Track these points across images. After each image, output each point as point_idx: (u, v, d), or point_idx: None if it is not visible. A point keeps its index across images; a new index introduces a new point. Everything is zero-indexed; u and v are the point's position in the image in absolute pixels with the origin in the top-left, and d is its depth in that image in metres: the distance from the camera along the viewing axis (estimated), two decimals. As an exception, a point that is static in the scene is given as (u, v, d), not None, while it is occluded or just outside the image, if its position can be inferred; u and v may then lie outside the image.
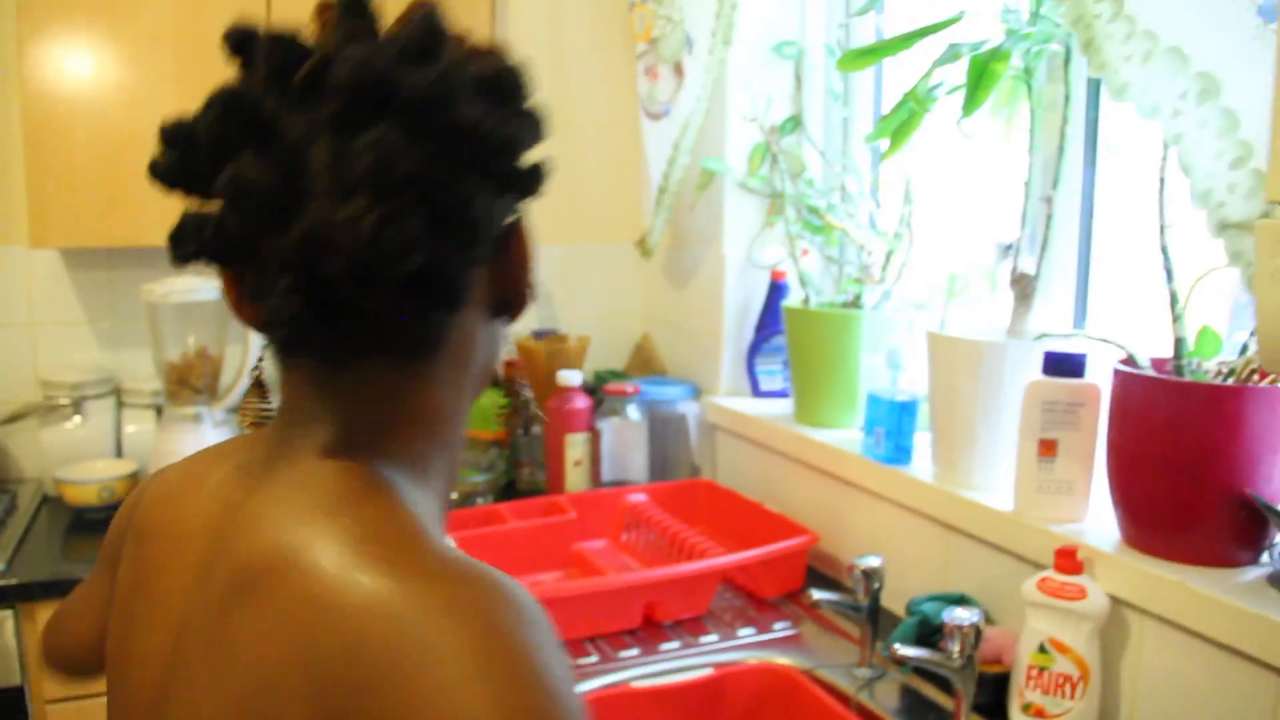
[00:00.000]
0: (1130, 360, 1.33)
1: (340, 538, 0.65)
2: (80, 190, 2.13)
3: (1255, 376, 1.25)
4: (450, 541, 0.75)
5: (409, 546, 0.66)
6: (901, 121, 1.57)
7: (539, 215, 2.50)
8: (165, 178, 0.75)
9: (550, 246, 2.55)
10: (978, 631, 1.29)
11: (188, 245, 0.72)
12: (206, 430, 2.18)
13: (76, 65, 2.11)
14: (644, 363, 2.55)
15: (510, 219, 0.79)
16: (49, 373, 2.39)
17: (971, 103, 1.46)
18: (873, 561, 1.50)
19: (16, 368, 2.41)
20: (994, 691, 1.39)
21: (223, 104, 0.71)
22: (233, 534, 0.71)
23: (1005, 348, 1.50)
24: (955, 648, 1.30)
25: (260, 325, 0.72)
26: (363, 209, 0.64)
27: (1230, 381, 1.25)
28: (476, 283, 0.75)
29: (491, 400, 2.35)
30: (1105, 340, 1.38)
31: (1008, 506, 1.48)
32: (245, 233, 0.68)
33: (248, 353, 2.16)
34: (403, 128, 0.66)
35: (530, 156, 0.77)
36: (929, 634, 1.48)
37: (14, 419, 2.33)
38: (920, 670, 1.50)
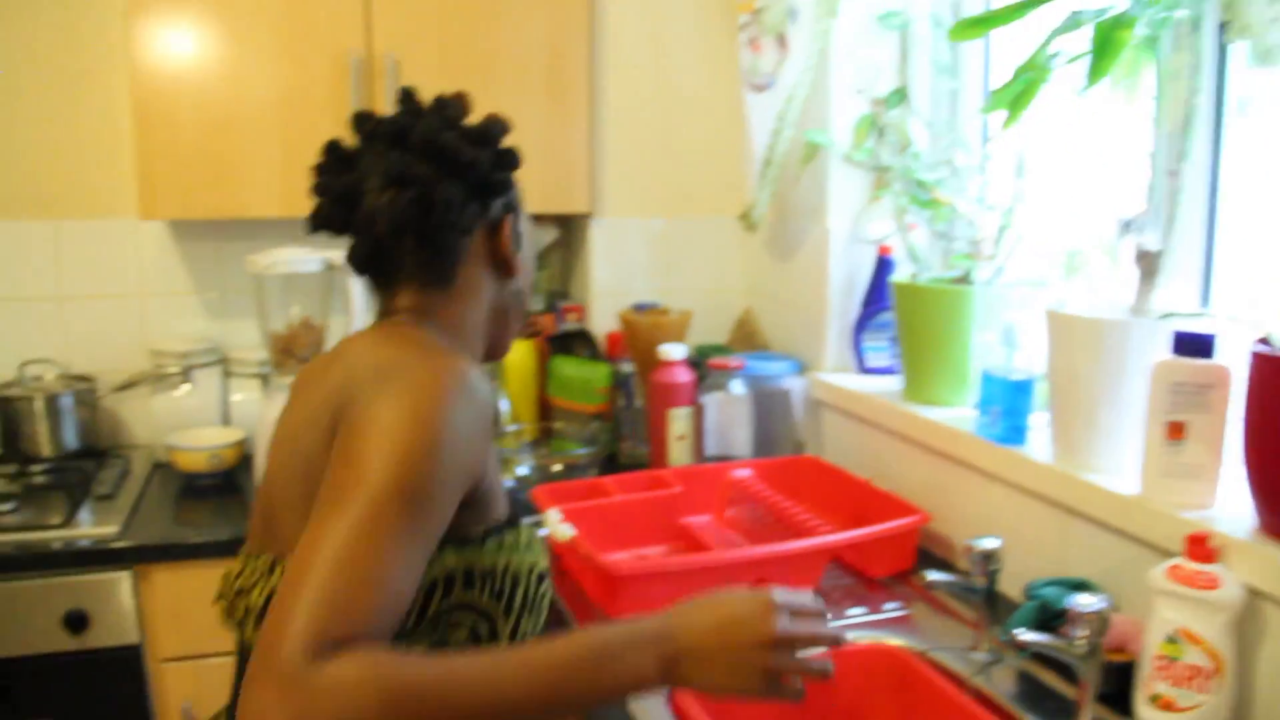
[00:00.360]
0: (1267, 341, 1.28)
1: (379, 338, 1.15)
2: (187, 163, 2.17)
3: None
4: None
5: (417, 344, 1.12)
6: (1019, 91, 1.52)
7: (641, 189, 2.68)
8: (315, 188, 1.24)
9: (651, 219, 2.55)
10: (1104, 619, 1.25)
11: (312, 222, 1.24)
12: (313, 401, 2.21)
13: (182, 41, 2.14)
14: (746, 337, 2.52)
15: (500, 210, 1.25)
16: (158, 342, 2.44)
17: (1096, 72, 1.41)
18: (990, 543, 1.46)
19: (127, 337, 2.47)
20: (1118, 680, 1.35)
21: (327, 147, 1.25)
22: (335, 354, 1.18)
23: (1129, 327, 1.46)
24: (1080, 635, 1.26)
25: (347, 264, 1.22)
26: (389, 194, 1.16)
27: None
28: (474, 248, 1.23)
29: (593, 374, 2.36)
30: (1238, 320, 1.33)
31: (1132, 490, 1.43)
32: (336, 212, 1.21)
33: (350, 322, 2.18)
34: (411, 152, 1.18)
35: (496, 175, 1.22)
36: (1048, 619, 1.44)
37: (126, 386, 2.38)
38: (1039, 656, 1.46)
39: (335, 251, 2.28)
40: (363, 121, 1.22)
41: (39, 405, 2.28)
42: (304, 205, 2.12)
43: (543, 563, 1.23)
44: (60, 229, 2.40)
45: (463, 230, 1.19)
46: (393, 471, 0.94)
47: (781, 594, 1.03)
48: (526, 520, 1.98)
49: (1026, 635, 1.27)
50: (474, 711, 0.86)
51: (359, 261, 1.21)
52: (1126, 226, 1.61)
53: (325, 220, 1.21)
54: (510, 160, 1.24)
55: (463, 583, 1.12)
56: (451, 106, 1.24)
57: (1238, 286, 1.59)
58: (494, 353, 1.33)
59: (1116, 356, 1.47)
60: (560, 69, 2.38)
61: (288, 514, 1.11)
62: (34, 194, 2.38)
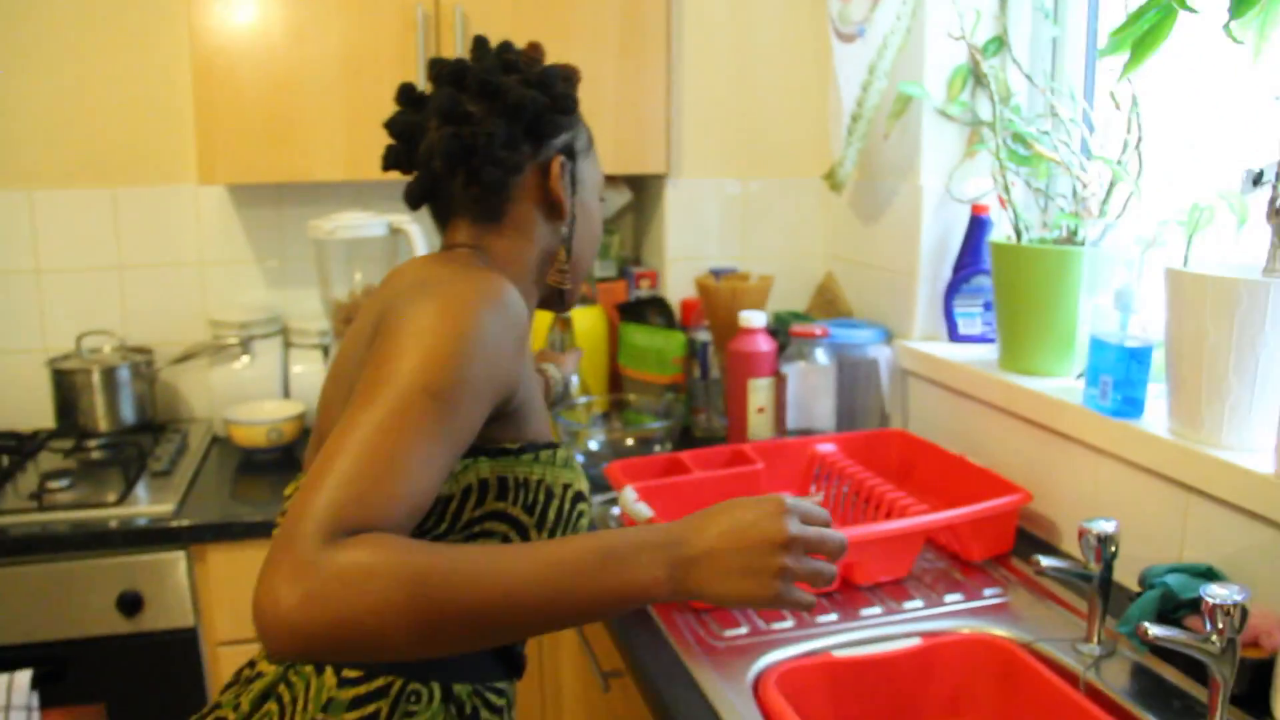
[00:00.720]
0: None
1: (428, 260, 1.17)
2: (248, 126, 2.09)
3: None
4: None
5: (464, 263, 1.15)
6: (1145, 30, 1.38)
7: (719, 148, 2.57)
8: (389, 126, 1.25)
9: (729, 180, 2.43)
10: (1244, 612, 1.12)
11: (384, 161, 1.26)
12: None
13: (240, 1, 2.06)
14: (827, 304, 2.40)
15: (554, 151, 1.23)
16: (218, 312, 2.38)
17: (1241, 4, 1.26)
18: (1106, 526, 1.33)
19: (186, 307, 2.41)
20: (1252, 679, 1.22)
21: (400, 89, 1.26)
22: (386, 279, 1.20)
23: (1268, 288, 1.31)
24: (1215, 630, 1.14)
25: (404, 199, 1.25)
26: (442, 131, 1.17)
27: None
28: (525, 186, 1.22)
29: (667, 343, 2.25)
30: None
31: (1267, 468, 1.30)
32: (402, 150, 1.24)
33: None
34: (466, 91, 1.20)
35: (548, 116, 1.21)
36: (1170, 610, 1.31)
37: (184, 359, 2.32)
38: (1158, 650, 1.34)
39: (399, 215, 2.19)
40: (433, 65, 1.24)
41: (96, 378, 2.22)
42: (369, 167, 2.05)
43: (580, 484, 1.24)
44: (118, 196, 2.34)
45: (510, 168, 1.19)
46: (420, 369, 0.95)
47: (792, 499, 1.00)
48: (596, 500, 1.92)
49: (1158, 630, 1.14)
50: (480, 603, 0.88)
51: (413, 196, 1.23)
52: (1256, 179, 1.47)
53: (393, 158, 1.25)
54: (564, 104, 1.23)
55: (496, 491, 1.12)
56: (513, 52, 1.26)
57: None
58: (552, 301, 1.32)
59: (1251, 321, 1.33)
60: (636, 22, 2.26)
61: (329, 421, 1.15)
62: (92, 160, 2.31)
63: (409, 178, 1.25)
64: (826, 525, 1.02)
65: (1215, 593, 1.14)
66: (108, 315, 2.37)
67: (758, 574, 0.96)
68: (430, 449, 0.93)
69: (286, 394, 2.39)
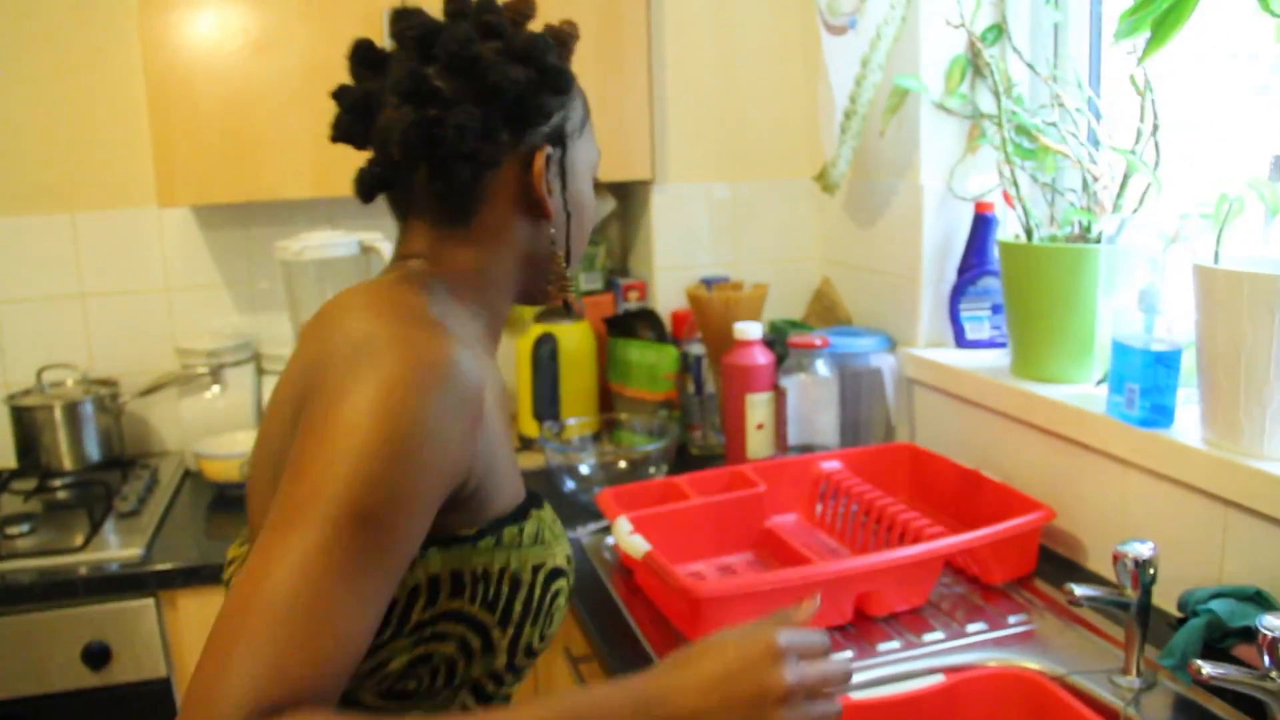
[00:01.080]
0: None
1: (368, 300, 0.95)
2: (205, 144, 1.99)
3: None
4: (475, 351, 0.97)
5: (405, 314, 0.93)
6: (1167, 7, 1.27)
7: (706, 151, 2.34)
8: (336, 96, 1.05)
9: (717, 184, 2.32)
10: (1305, 645, 1.02)
11: (332, 131, 1.04)
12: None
13: (196, 13, 1.95)
14: (824, 310, 2.29)
15: (540, 140, 1.03)
16: (186, 340, 2.27)
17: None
18: (1143, 549, 1.22)
19: (153, 335, 2.30)
20: (1310, 714, 1.11)
21: (354, 46, 1.04)
22: (322, 315, 1.00)
23: (1309, 284, 1.21)
24: (1276, 664, 1.03)
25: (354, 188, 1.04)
26: (401, 112, 0.97)
27: None
28: (502, 183, 1.02)
29: (660, 358, 2.14)
30: None
31: (1317, 480, 1.19)
32: (355, 123, 1.02)
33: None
34: (434, 63, 0.98)
35: (535, 100, 1.01)
36: (1218, 639, 1.21)
37: (151, 390, 2.21)
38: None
39: (371, 234, 2.08)
40: (398, 19, 1.02)
41: (58, 414, 2.10)
42: (338, 184, 1.90)
43: (556, 557, 1.04)
44: (78, 222, 2.22)
45: (483, 163, 0.99)
46: (350, 487, 0.79)
47: (786, 635, 0.90)
48: (588, 529, 1.81)
49: (1212, 669, 1.03)
50: None
51: (365, 185, 1.02)
52: (1288, 166, 1.37)
53: (343, 131, 1.03)
54: (557, 82, 1.02)
55: (450, 589, 0.94)
56: (495, 11, 1.03)
57: None
58: (530, 296, 1.12)
59: (1292, 320, 1.22)
60: (615, 21, 2.15)
61: (259, 508, 0.99)
62: (48, 185, 2.19)
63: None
64: (827, 653, 0.93)
65: (1273, 624, 1.04)
66: (70, 347, 2.26)
67: None
68: (365, 586, 0.79)
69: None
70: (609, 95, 2.17)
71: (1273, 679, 1.03)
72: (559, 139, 1.04)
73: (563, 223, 1.07)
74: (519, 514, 1.01)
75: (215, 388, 2.21)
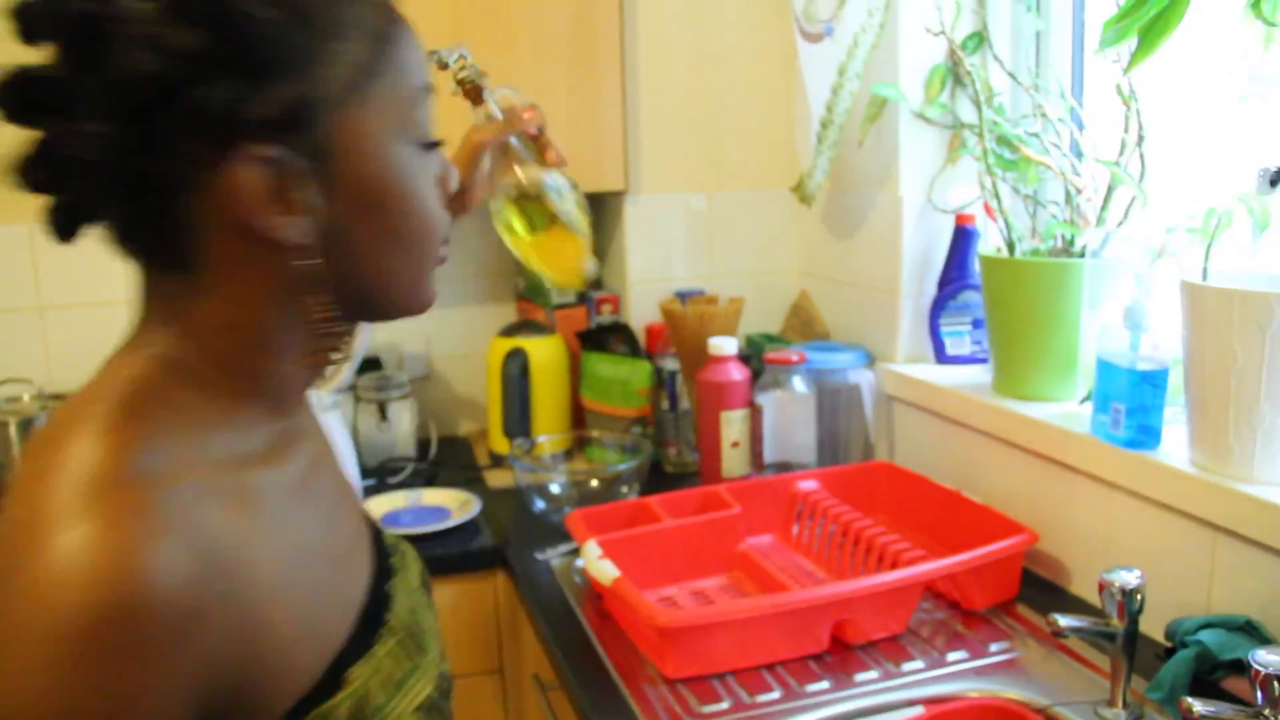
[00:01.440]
0: None
1: (75, 407, 0.68)
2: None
3: None
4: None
5: (86, 462, 0.61)
6: (1155, 14, 1.23)
7: (681, 161, 2.16)
8: None
9: (692, 195, 2.27)
10: (1299, 681, 0.97)
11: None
12: (319, 417, 1.94)
13: None
14: (802, 325, 2.24)
15: (247, 133, 0.66)
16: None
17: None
18: (1129, 578, 1.18)
19: (113, 350, 2.22)
20: (1304, 750, 1.07)
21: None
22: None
23: (1300, 301, 1.17)
24: (1269, 702, 0.98)
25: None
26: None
27: None
28: (215, 201, 0.67)
29: (632, 373, 2.09)
30: None
31: (1305, 505, 1.15)
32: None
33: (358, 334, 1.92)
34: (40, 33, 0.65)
35: (208, 83, 0.64)
36: (1207, 671, 1.16)
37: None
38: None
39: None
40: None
41: (13, 431, 2.03)
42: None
43: (415, 693, 0.79)
44: (35, 233, 2.16)
45: (158, 189, 0.67)
46: None
47: None
48: (557, 550, 1.73)
49: (1203, 708, 0.99)
50: None
51: (55, 222, 0.71)
52: (1275, 179, 1.32)
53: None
54: (270, 38, 0.65)
55: None
56: None
57: None
58: (315, 368, 0.79)
59: (1281, 339, 1.18)
60: (587, 28, 2.10)
61: None
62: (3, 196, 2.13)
63: None
64: None
65: (1266, 660, 0.99)
66: (28, 361, 2.19)
67: None
68: None
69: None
70: (581, 104, 2.12)
71: (1266, 716, 0.99)
72: (299, 121, 0.67)
73: (339, 236, 0.71)
74: (329, 686, 0.71)
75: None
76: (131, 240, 0.70)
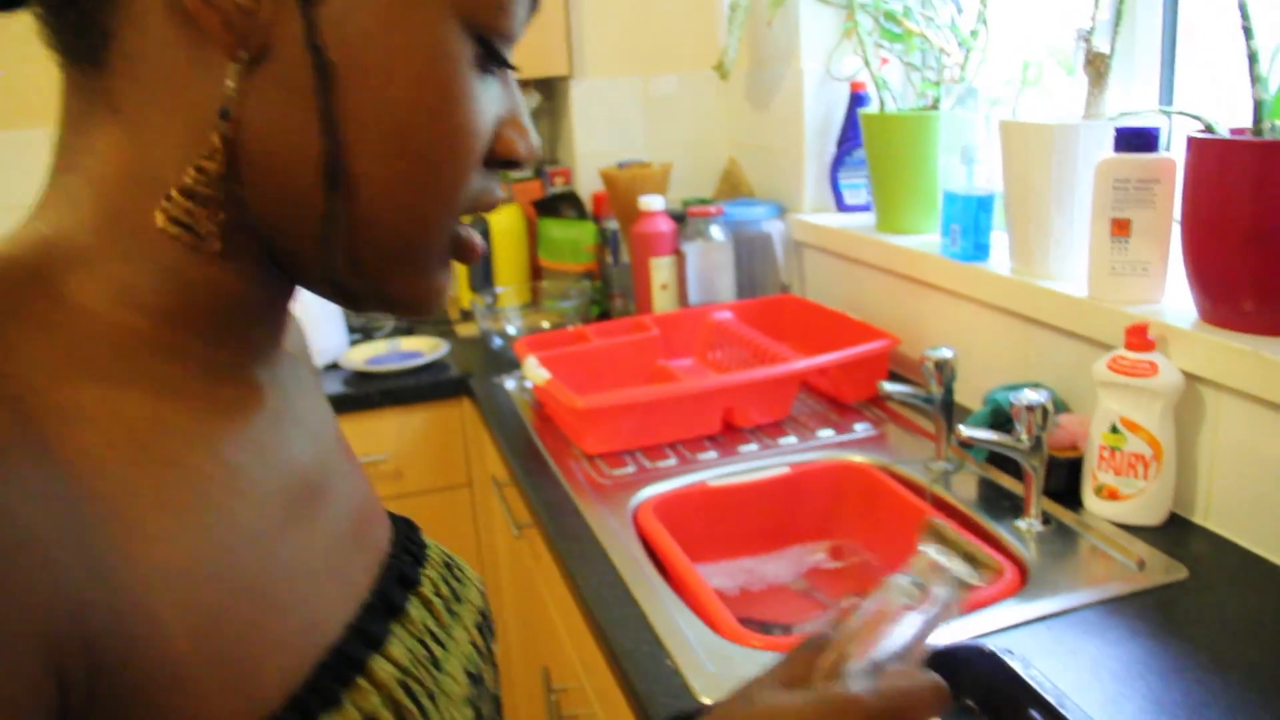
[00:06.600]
0: (1208, 129, 1.27)
1: None
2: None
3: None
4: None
5: None
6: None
7: (620, 47, 2.34)
8: None
9: (632, 78, 2.54)
10: (1045, 411, 1.28)
11: None
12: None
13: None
14: (732, 188, 2.53)
15: None
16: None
17: None
18: (944, 353, 1.49)
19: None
20: (1067, 476, 1.38)
21: None
22: None
23: (1078, 129, 1.46)
24: (1023, 428, 1.29)
25: None
26: None
27: (1308, 138, 1.19)
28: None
29: (580, 234, 2.38)
30: (1181, 113, 1.32)
31: (1083, 292, 1.45)
32: None
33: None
34: None
35: None
36: (1002, 423, 1.47)
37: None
38: (996, 461, 1.50)
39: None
40: None
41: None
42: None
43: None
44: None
45: None
46: None
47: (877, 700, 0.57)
48: (513, 376, 2.06)
49: (971, 432, 1.30)
50: None
51: None
52: (1083, 36, 1.60)
53: None
54: None
55: None
56: None
57: (1200, 87, 1.57)
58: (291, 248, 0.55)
59: (1067, 161, 1.47)
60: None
61: None
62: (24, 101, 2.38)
63: None
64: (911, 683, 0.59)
65: (1022, 396, 1.30)
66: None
67: None
68: None
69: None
70: (528, -4, 2.38)
71: (1022, 440, 1.30)
72: None
73: (326, 80, 0.50)
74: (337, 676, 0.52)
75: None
76: (48, 22, 0.52)
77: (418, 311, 0.59)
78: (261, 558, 0.51)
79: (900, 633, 0.62)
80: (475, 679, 0.63)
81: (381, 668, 0.54)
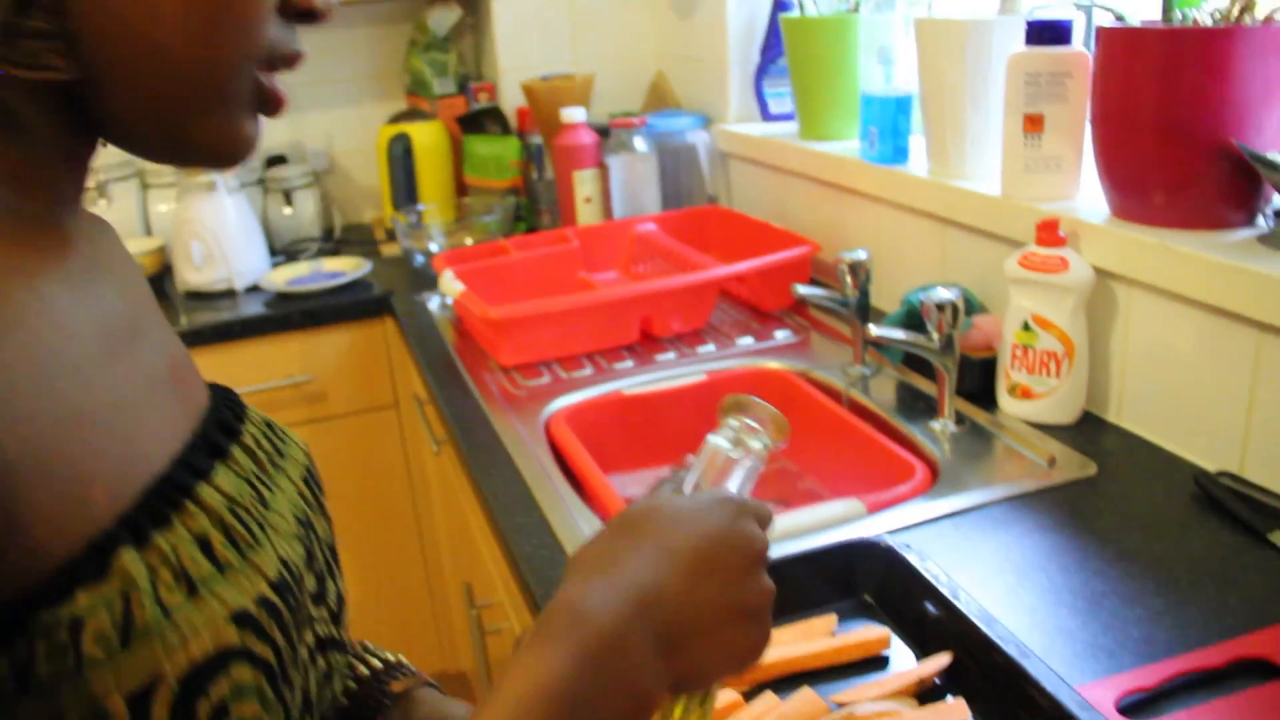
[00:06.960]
0: (1119, 20, 1.25)
1: None
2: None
3: (1244, 16, 1.17)
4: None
5: None
6: None
7: None
8: None
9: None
10: (955, 309, 1.27)
11: None
12: (222, 198, 2.19)
13: None
14: (659, 100, 2.48)
15: None
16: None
17: None
18: (859, 255, 1.47)
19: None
20: (982, 377, 1.38)
21: None
22: None
23: (992, 25, 1.43)
24: (934, 328, 1.28)
25: None
26: None
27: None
28: None
29: (504, 149, 2.34)
30: (1095, 4, 1.30)
31: (997, 191, 1.43)
32: None
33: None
34: None
35: None
36: (917, 324, 1.46)
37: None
38: (914, 365, 1.49)
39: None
40: None
41: None
42: None
43: (236, 595, 0.53)
44: None
45: None
46: None
47: (727, 492, 0.67)
48: (433, 295, 2.03)
49: (880, 331, 1.29)
50: None
51: None
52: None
53: None
54: None
55: None
56: None
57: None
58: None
59: (981, 58, 1.44)
60: None
61: None
62: None
63: None
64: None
65: (933, 295, 1.29)
66: None
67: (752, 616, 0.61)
68: None
69: (148, 233, 2.44)
70: (444, -97, 2.31)
71: (933, 339, 1.29)
72: None
73: None
74: (103, 555, 0.49)
75: (101, 202, 2.37)
76: None
77: (220, 160, 0.58)
78: (81, 386, 0.51)
79: (731, 482, 0.69)
80: (305, 524, 0.64)
81: (209, 495, 0.55)
